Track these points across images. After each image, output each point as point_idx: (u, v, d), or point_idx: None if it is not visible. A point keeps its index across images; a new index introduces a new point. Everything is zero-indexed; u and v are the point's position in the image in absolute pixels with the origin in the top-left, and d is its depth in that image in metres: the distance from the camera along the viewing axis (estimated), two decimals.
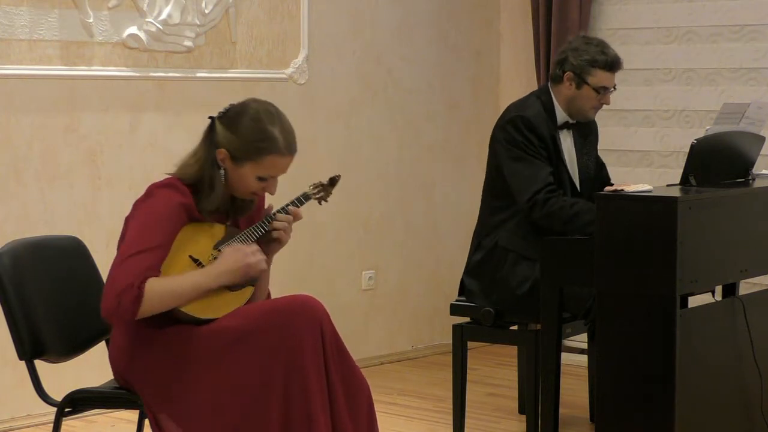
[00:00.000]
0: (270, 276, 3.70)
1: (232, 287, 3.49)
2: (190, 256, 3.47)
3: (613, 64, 4.74)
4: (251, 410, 3.35)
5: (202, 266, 3.48)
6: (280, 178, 3.60)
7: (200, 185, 3.50)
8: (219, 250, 3.50)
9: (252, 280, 3.53)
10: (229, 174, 3.51)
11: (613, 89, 4.78)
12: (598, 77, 4.73)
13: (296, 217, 3.61)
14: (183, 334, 3.44)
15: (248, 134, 3.48)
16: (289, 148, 3.51)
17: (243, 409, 3.36)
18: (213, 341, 3.41)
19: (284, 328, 3.37)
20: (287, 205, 3.60)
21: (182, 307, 3.41)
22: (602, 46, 4.78)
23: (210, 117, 3.55)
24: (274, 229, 3.57)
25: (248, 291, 3.54)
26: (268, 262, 3.61)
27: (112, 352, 3.57)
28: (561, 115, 4.80)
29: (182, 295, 3.39)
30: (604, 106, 4.83)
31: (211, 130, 3.54)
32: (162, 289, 3.36)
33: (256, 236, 3.55)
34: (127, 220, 3.51)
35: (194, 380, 3.40)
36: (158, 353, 3.45)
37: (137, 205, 3.51)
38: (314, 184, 3.70)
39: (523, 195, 4.66)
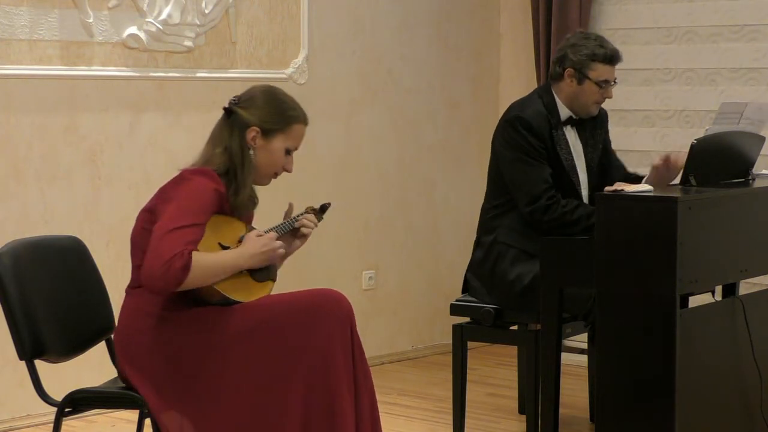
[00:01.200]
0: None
1: (255, 276, 3.59)
2: (219, 243, 3.55)
3: (612, 57, 4.76)
4: (268, 410, 3.37)
5: None
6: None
7: (229, 174, 3.59)
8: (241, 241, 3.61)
9: (272, 271, 3.65)
10: (258, 154, 3.62)
11: (614, 83, 4.80)
12: (599, 71, 4.74)
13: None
14: (206, 315, 3.48)
15: (273, 107, 3.65)
16: (306, 118, 3.71)
17: (259, 409, 3.38)
18: (235, 328, 3.44)
19: (312, 326, 3.42)
20: (306, 211, 3.83)
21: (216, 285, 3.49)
22: (600, 40, 4.79)
23: (225, 108, 3.67)
24: (303, 226, 3.76)
25: (270, 285, 3.65)
26: (284, 257, 3.77)
27: (123, 329, 3.55)
28: (564, 112, 4.80)
29: (222, 271, 3.47)
30: (605, 103, 4.85)
31: (229, 117, 3.64)
32: (207, 261, 3.43)
33: (282, 232, 3.73)
34: (155, 206, 3.54)
35: (210, 369, 3.42)
36: (175, 331, 3.46)
37: (168, 188, 3.56)
38: (308, 208, 3.88)
39: (523, 199, 4.66)
